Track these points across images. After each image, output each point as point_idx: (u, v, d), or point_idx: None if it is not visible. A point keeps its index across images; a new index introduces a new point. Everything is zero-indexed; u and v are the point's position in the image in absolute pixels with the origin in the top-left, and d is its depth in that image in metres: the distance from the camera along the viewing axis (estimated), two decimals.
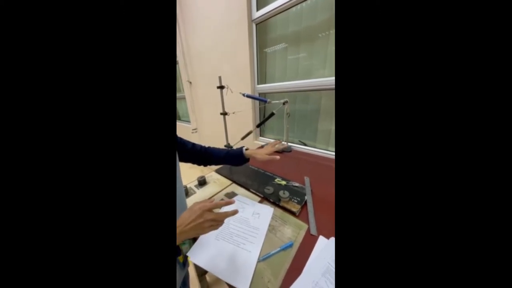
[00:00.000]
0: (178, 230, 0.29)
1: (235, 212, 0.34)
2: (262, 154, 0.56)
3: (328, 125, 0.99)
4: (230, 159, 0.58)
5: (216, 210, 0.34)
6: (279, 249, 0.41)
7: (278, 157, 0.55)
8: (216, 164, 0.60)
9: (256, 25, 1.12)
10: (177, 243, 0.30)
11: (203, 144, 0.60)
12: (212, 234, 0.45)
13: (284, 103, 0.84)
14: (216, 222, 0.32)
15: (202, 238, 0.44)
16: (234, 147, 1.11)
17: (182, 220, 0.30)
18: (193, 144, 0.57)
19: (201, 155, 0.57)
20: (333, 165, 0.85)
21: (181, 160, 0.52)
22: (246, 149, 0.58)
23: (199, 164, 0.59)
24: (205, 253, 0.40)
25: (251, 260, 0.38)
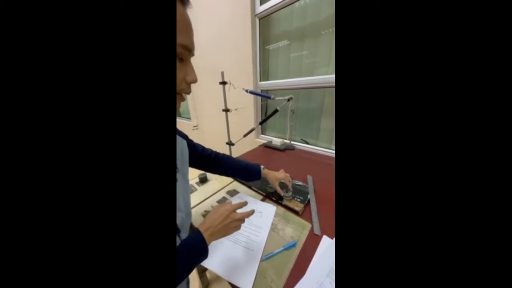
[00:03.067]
0: (209, 231, 0.30)
1: (252, 212, 0.36)
2: (275, 178, 0.55)
3: (330, 124, 0.98)
4: (245, 173, 0.55)
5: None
6: (282, 248, 0.40)
7: (286, 193, 0.55)
8: (226, 174, 0.56)
9: (260, 20, 1.09)
10: (209, 243, 0.30)
11: (202, 144, 0.57)
12: None
13: (288, 100, 0.83)
14: (240, 222, 0.34)
15: None
16: (236, 144, 1.10)
17: (211, 222, 0.31)
18: (203, 148, 0.53)
19: (211, 161, 0.53)
20: None
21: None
22: (263, 168, 0.55)
23: (206, 170, 0.55)
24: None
25: (254, 259, 0.37)
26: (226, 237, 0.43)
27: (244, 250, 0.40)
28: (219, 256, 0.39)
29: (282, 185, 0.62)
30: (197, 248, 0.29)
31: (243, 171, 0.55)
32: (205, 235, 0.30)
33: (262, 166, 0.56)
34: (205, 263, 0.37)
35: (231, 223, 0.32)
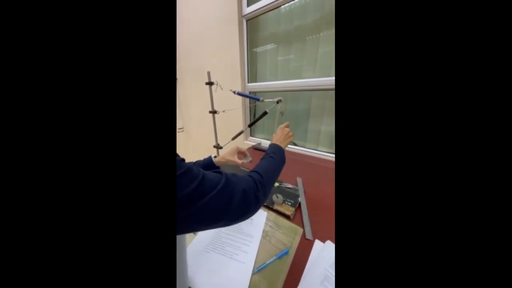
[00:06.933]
0: (278, 142, 0.45)
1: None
2: (230, 154, 0.54)
3: (317, 125, 1.00)
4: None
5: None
6: (275, 257, 0.38)
7: (240, 161, 0.55)
8: None
9: (247, 21, 1.08)
10: (285, 147, 0.46)
11: (190, 147, 0.54)
12: (202, 245, 0.42)
13: (277, 102, 0.82)
14: (291, 133, 0.50)
15: (190, 249, 0.40)
16: (224, 147, 1.07)
17: (278, 138, 0.47)
18: None
19: None
20: (324, 164, 0.87)
21: None
22: (215, 157, 0.53)
23: None
24: (194, 268, 0.36)
25: (245, 273, 0.35)
26: (215, 250, 0.40)
27: (234, 263, 0.37)
28: (208, 273, 0.36)
29: (273, 189, 0.61)
30: (280, 152, 0.42)
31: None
32: (278, 144, 0.44)
33: (212, 156, 0.54)
34: (192, 283, 0.33)
35: (288, 134, 0.49)
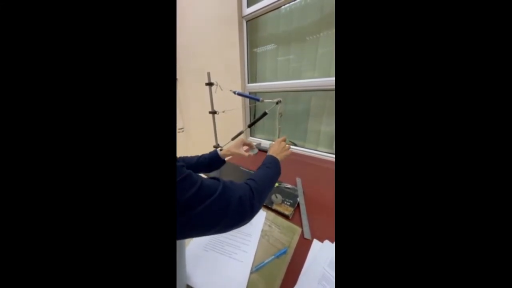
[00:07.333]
0: (274, 154, 0.45)
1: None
2: (236, 146, 0.54)
3: (317, 125, 1.00)
4: (207, 163, 0.51)
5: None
6: (273, 257, 0.38)
7: (246, 154, 0.55)
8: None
9: (247, 22, 1.08)
10: (281, 159, 0.45)
11: (190, 147, 0.54)
12: (201, 244, 0.42)
13: (277, 103, 0.82)
14: (288, 146, 0.51)
15: (189, 251, 0.40)
16: (224, 148, 1.07)
17: (274, 150, 0.47)
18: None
19: None
20: (324, 165, 0.87)
21: None
22: (221, 150, 0.53)
23: None
24: (192, 267, 0.37)
25: (243, 272, 0.35)
26: (214, 249, 0.41)
27: (233, 262, 0.38)
28: (207, 272, 0.36)
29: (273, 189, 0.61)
30: (276, 163, 0.42)
31: (205, 162, 0.52)
32: (274, 155, 0.44)
33: (218, 149, 0.54)
34: (190, 282, 0.34)
35: (284, 147, 0.50)
